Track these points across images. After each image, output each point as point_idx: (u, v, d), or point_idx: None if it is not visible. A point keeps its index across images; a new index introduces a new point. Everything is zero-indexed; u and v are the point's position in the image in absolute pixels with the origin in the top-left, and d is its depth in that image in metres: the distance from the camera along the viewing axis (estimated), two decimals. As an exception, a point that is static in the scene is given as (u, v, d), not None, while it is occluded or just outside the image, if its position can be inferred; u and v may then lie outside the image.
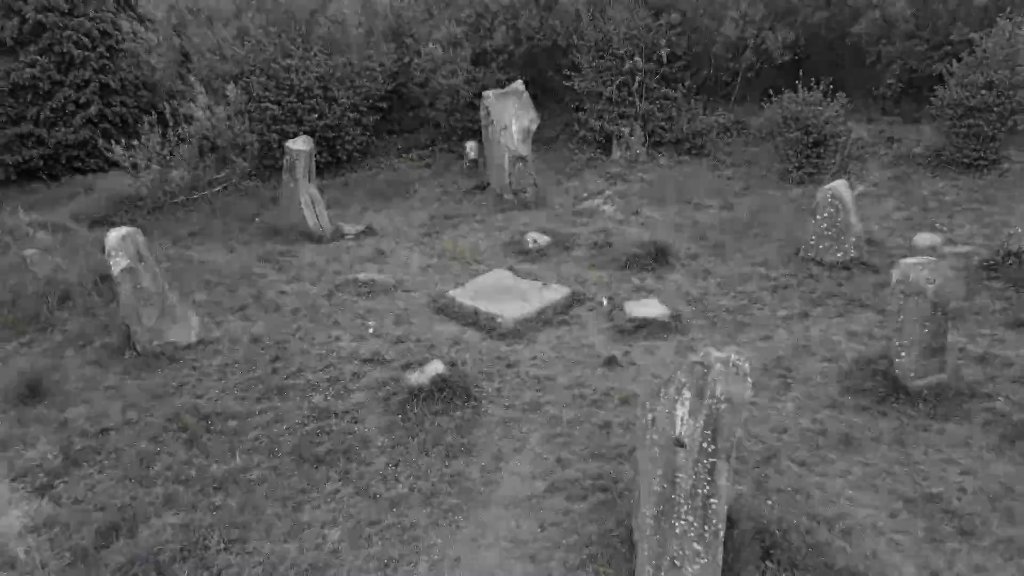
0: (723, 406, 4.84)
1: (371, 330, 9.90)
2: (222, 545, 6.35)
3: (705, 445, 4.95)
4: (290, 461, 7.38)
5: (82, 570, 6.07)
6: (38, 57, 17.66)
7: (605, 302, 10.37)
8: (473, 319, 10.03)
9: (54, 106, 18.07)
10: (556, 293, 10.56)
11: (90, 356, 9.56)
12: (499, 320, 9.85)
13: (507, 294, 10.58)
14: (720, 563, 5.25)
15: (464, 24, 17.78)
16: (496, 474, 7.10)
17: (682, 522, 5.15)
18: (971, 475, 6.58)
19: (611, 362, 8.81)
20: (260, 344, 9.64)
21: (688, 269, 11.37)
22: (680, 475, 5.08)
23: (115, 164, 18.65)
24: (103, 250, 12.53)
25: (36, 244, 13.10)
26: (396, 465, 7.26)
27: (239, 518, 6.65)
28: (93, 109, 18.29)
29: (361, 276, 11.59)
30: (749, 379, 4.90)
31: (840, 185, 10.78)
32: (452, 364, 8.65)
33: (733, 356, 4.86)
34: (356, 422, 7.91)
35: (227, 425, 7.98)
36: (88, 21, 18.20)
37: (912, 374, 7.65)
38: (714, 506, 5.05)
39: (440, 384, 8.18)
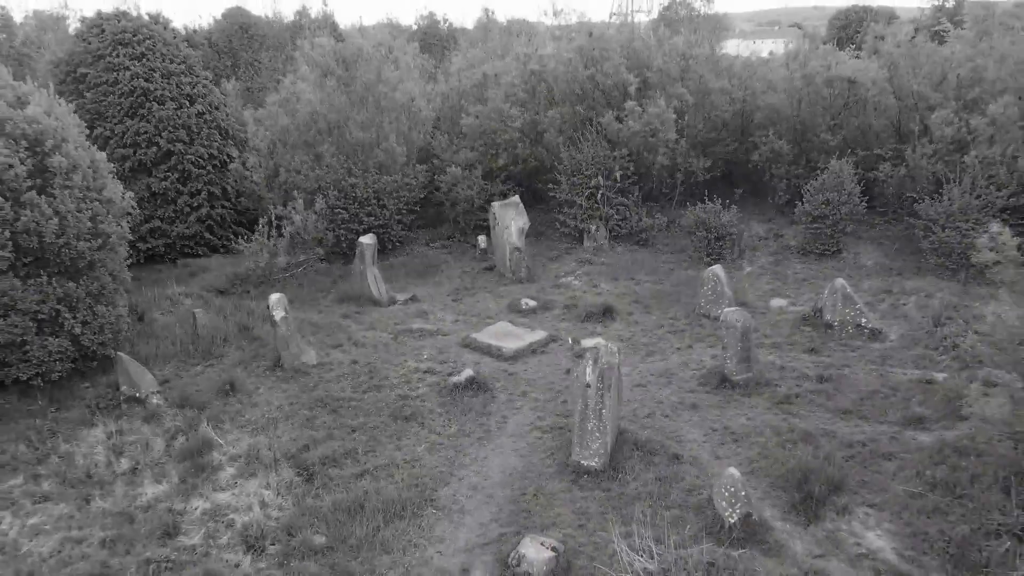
0: (606, 366, 10.98)
1: (425, 356, 16.01)
2: (362, 453, 12.34)
3: (599, 385, 11.05)
4: (390, 420, 13.39)
5: (299, 459, 12.07)
6: (168, 173, 24.36)
7: (570, 340, 16.54)
8: (487, 350, 16.17)
9: (175, 208, 24.65)
10: (539, 335, 16.74)
11: (253, 372, 15.63)
12: (503, 350, 16.00)
13: (508, 336, 16.76)
14: (608, 445, 11.26)
15: (476, 151, 24.57)
16: (504, 424, 13.13)
17: (590, 423, 11.19)
18: (750, 420, 12.61)
19: (570, 372, 14.92)
20: (357, 365, 15.71)
21: (624, 321, 17.60)
22: (589, 400, 11.15)
23: (215, 251, 25.18)
24: (237, 307, 18.77)
25: (187, 307, 19.31)
26: (449, 421, 13.29)
27: (368, 444, 12.65)
28: (203, 211, 24.85)
29: (413, 326, 17.78)
30: (618, 355, 11.05)
31: (717, 268, 17.15)
32: (477, 372, 14.75)
33: (609, 344, 11.04)
34: (423, 401, 13.95)
35: (350, 404, 14.01)
36: (202, 147, 25.01)
37: (734, 373, 13.76)
38: (604, 413, 11.10)
39: (471, 382, 14.27)
